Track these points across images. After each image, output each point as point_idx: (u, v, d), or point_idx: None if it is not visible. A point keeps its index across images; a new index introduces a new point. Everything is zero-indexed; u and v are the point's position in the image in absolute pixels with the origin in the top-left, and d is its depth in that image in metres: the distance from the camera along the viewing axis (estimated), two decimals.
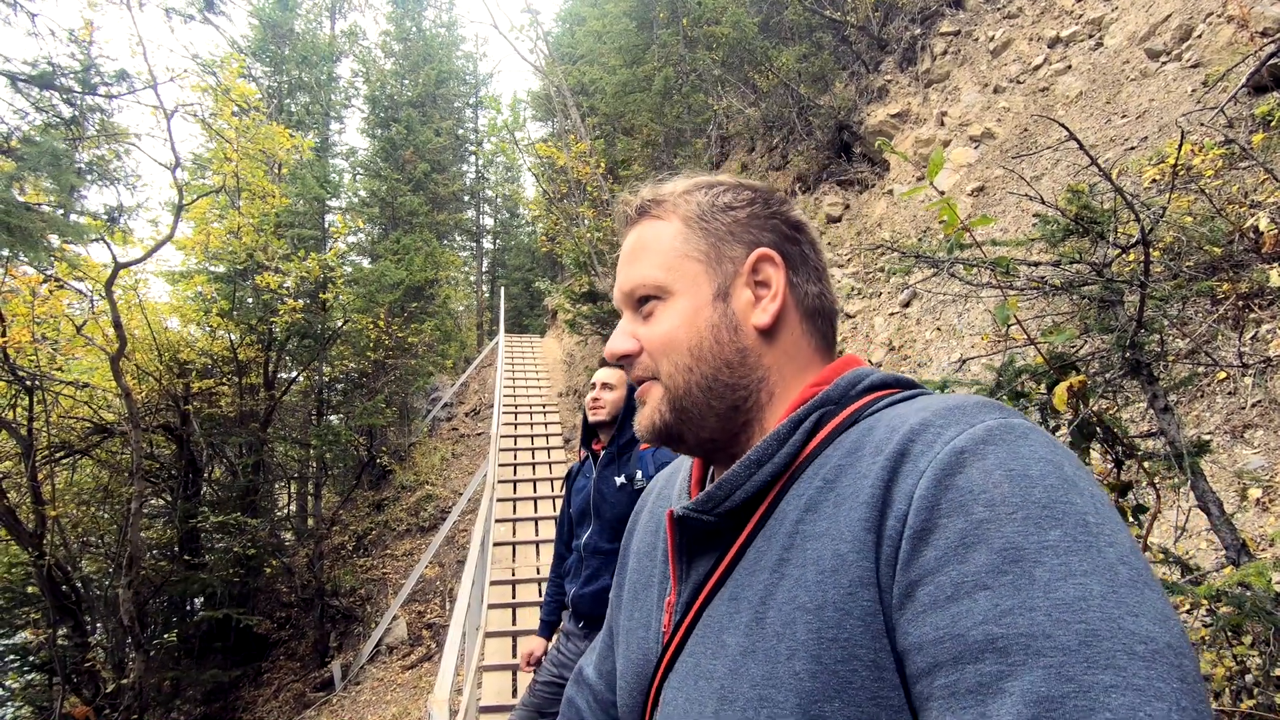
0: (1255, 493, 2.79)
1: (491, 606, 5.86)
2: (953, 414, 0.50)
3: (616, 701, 0.78)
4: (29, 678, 8.77)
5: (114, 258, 7.94)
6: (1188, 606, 2.55)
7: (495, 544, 6.82)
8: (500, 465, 8.64)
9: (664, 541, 0.70)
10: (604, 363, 2.50)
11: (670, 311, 0.65)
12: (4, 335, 7.42)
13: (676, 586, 0.65)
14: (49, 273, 8.28)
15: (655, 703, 0.64)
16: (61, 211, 5.94)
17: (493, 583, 6.18)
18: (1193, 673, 0.39)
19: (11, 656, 8.75)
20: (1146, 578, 0.41)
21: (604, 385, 2.40)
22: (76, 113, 6.88)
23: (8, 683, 8.78)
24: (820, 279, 0.68)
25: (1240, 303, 3.41)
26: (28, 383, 7.79)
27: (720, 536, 0.61)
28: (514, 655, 5.41)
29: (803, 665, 0.49)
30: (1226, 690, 1.90)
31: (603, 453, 2.38)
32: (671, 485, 0.78)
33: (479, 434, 13.19)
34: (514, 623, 5.86)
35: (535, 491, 8.34)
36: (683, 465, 0.77)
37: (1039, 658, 0.39)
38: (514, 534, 7.38)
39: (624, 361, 0.68)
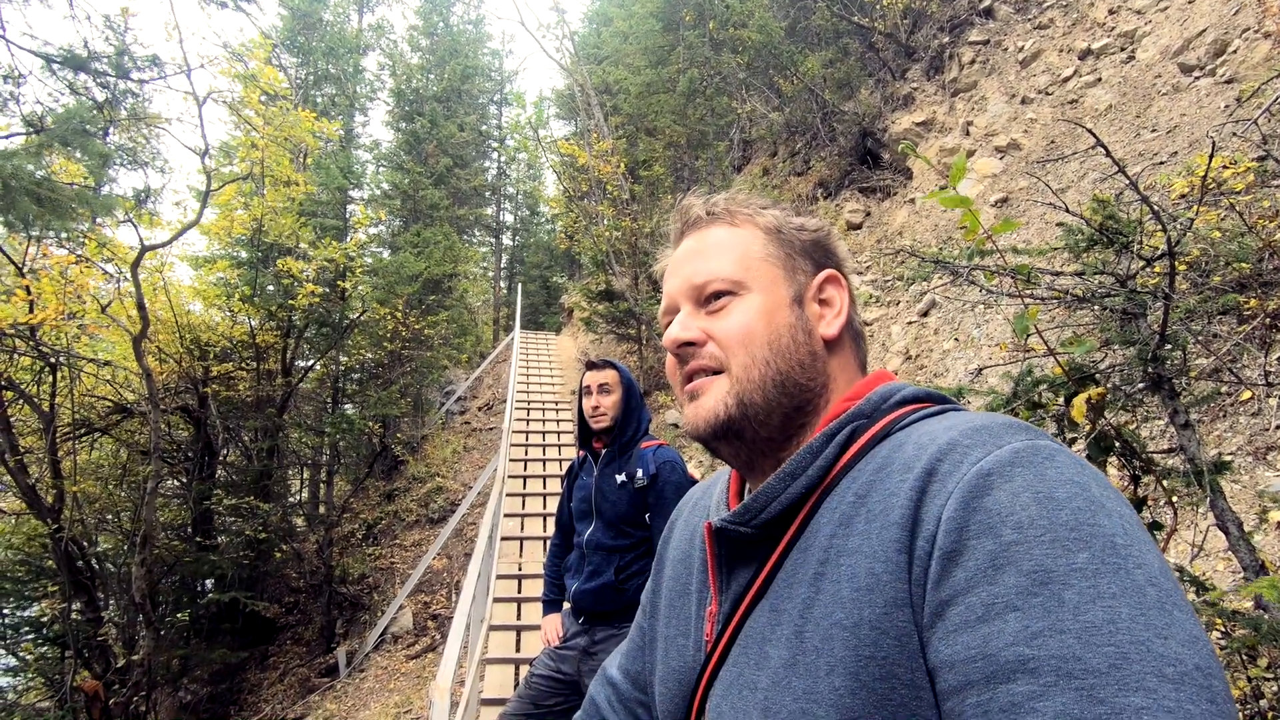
0: (1276, 515, 2.73)
1: (497, 600, 5.87)
2: (979, 434, 0.51)
3: (649, 704, 0.80)
4: (42, 650, 8.92)
5: (140, 239, 8.07)
6: (1203, 626, 2.50)
7: (503, 538, 6.84)
8: (511, 460, 8.66)
9: (701, 552, 0.71)
10: (591, 365, 2.40)
11: (746, 307, 0.65)
12: (32, 312, 7.56)
13: (717, 597, 0.66)
14: (79, 253, 8.44)
15: (700, 710, 0.65)
16: (90, 187, 6.03)
17: (499, 576, 6.20)
18: (1222, 693, 0.39)
19: (26, 628, 8.92)
20: (1176, 599, 0.41)
21: (600, 388, 2.34)
22: (110, 95, 6.99)
23: (22, 654, 8.94)
24: (857, 310, 0.72)
25: (1268, 321, 3.34)
26: (52, 360, 7.93)
27: (758, 548, 0.62)
28: (518, 649, 5.41)
29: (842, 681, 0.50)
30: (1240, 716, 1.86)
31: (604, 452, 2.40)
32: (708, 497, 0.78)
33: (491, 428, 13.25)
34: (519, 617, 5.87)
35: (545, 488, 8.36)
36: (719, 479, 0.78)
37: (1070, 680, 0.39)
38: (522, 529, 7.40)
39: (685, 350, 0.67)
